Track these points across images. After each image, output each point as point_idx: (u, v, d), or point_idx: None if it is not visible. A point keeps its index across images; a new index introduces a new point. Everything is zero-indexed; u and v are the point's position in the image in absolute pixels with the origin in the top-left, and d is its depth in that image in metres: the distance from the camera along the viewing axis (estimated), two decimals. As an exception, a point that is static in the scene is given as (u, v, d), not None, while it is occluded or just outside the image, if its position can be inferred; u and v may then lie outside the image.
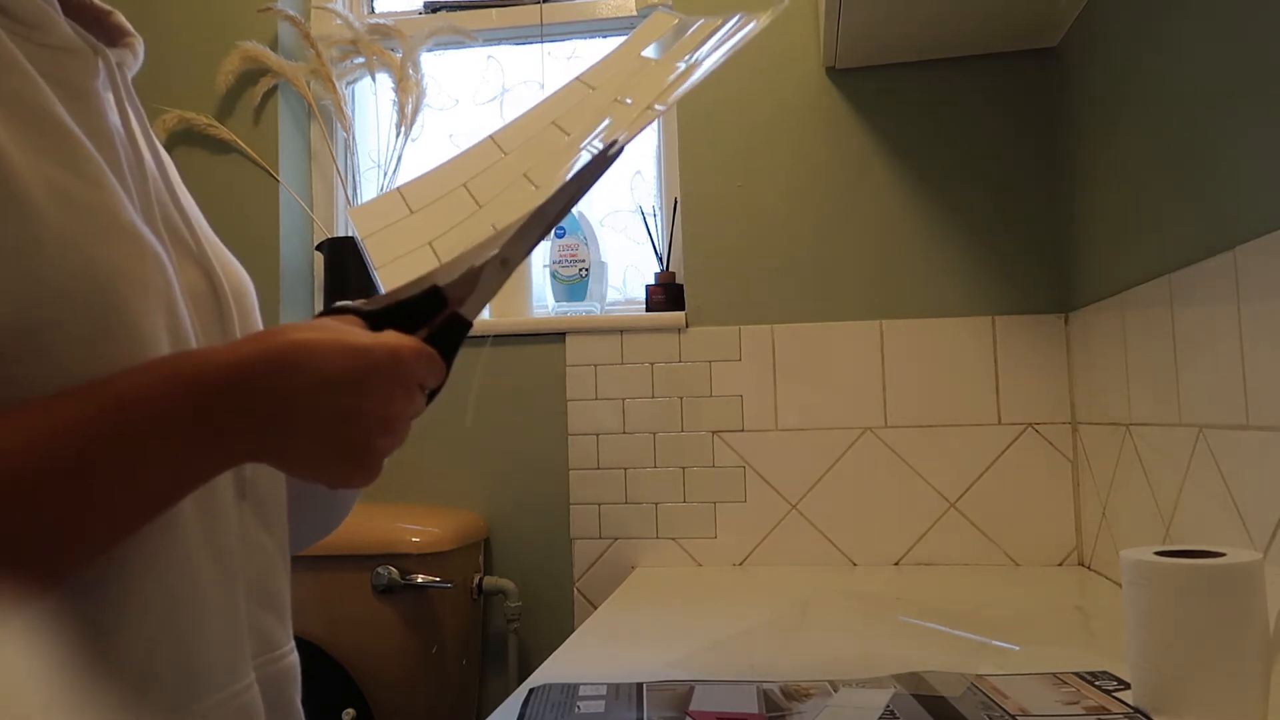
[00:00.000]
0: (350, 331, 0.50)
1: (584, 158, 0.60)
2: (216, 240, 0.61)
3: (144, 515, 0.45)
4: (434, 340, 0.54)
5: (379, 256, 0.71)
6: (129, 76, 0.57)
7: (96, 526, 0.43)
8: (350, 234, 1.63)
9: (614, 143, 0.59)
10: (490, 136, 0.74)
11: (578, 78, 0.74)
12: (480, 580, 1.43)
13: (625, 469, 1.43)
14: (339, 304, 0.55)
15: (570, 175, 0.58)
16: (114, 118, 0.54)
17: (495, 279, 0.57)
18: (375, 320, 0.54)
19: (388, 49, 1.59)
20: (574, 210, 1.52)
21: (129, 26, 0.60)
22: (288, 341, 0.47)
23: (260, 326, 0.62)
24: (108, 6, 0.59)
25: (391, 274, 0.68)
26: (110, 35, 0.58)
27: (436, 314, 0.55)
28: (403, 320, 0.54)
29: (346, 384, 0.47)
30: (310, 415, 0.47)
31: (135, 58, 0.59)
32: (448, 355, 0.54)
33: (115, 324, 0.47)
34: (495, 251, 0.56)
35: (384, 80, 1.63)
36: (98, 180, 0.49)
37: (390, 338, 0.51)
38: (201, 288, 0.56)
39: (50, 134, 0.47)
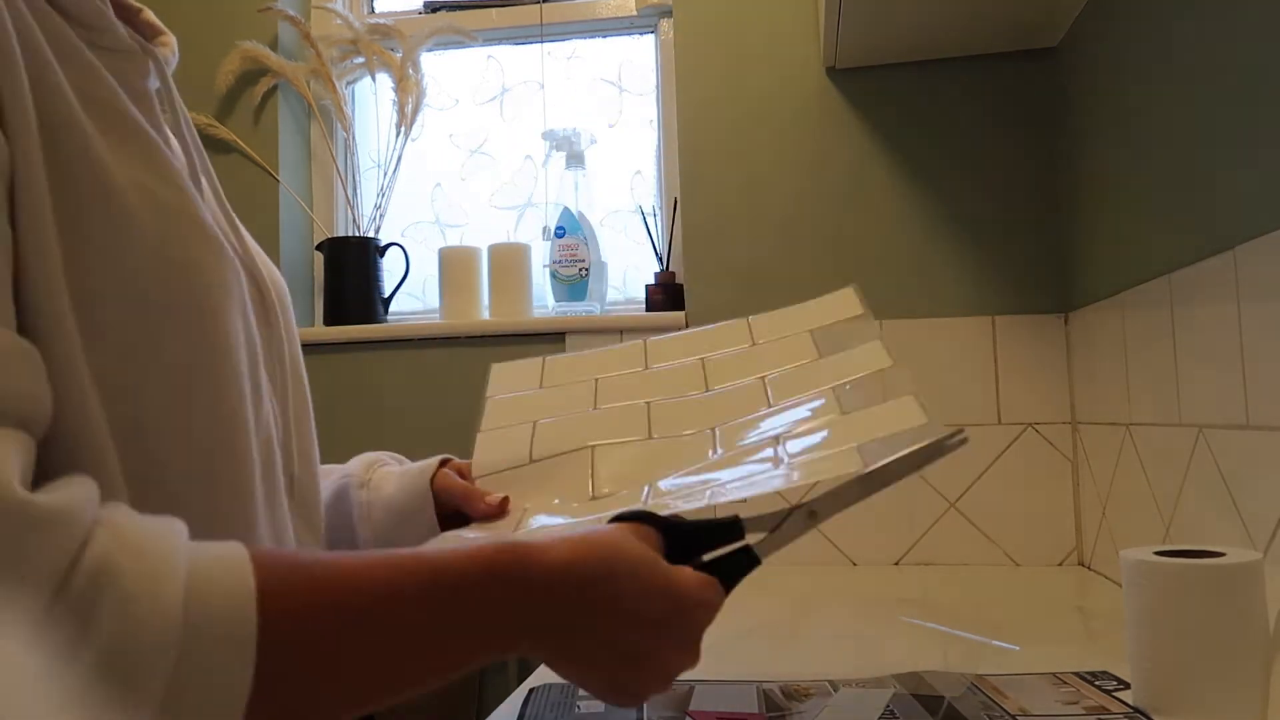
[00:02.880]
0: (674, 572, 0.49)
1: (921, 440, 0.58)
2: (253, 241, 0.61)
3: (419, 685, 0.43)
4: (717, 567, 0.54)
5: (489, 421, 0.73)
6: (170, 75, 0.57)
7: (380, 690, 0.41)
8: (349, 234, 1.63)
9: (958, 432, 0.58)
10: (645, 340, 0.74)
11: (746, 320, 0.73)
12: (480, 580, 1.42)
13: (625, 469, 1.43)
14: (642, 510, 0.54)
15: (907, 453, 0.57)
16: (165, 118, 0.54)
17: (798, 528, 0.57)
18: (672, 537, 0.53)
19: (388, 49, 1.59)
20: (573, 210, 1.52)
21: (160, 24, 0.59)
22: (617, 555, 0.47)
23: (295, 329, 0.62)
24: (138, 4, 0.58)
25: (489, 440, 0.71)
26: (144, 33, 0.57)
27: (730, 542, 0.55)
28: (697, 542, 0.54)
29: (653, 625, 0.48)
30: (609, 638, 0.47)
31: (173, 54, 0.58)
32: (728, 585, 0.54)
33: (209, 328, 0.47)
34: (805, 503, 0.57)
35: (384, 80, 1.63)
36: (177, 183, 0.48)
37: (705, 591, 0.50)
38: (252, 290, 0.56)
39: (132, 138, 0.47)
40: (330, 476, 0.72)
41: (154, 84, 0.54)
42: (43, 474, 0.36)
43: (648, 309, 1.48)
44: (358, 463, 0.74)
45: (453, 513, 0.68)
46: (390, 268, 1.60)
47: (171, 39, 0.58)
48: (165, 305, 0.44)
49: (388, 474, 0.73)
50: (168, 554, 0.34)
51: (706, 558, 0.54)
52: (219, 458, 0.47)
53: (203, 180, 0.55)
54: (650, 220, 1.52)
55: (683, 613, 0.49)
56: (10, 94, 0.39)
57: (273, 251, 1.55)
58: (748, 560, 0.55)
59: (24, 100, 0.40)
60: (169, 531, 0.36)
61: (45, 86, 0.42)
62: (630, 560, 0.47)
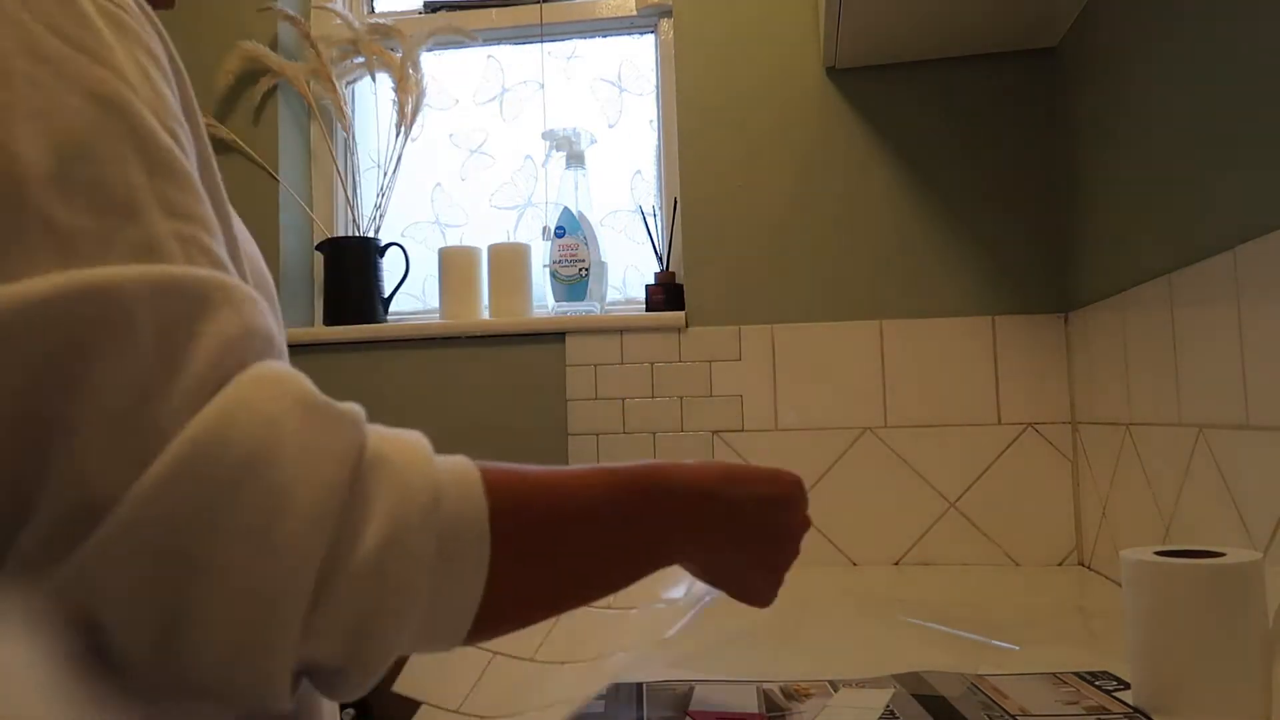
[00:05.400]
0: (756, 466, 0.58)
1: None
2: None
3: (592, 594, 0.50)
4: None
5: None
6: None
7: (573, 590, 0.49)
8: (349, 234, 1.63)
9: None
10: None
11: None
12: (480, 580, 1.43)
13: (625, 469, 1.43)
14: None
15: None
16: None
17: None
18: None
19: (388, 49, 1.59)
20: (574, 210, 1.52)
21: None
22: (726, 464, 0.56)
23: None
24: None
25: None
26: None
27: None
28: None
29: (780, 501, 0.58)
30: (751, 526, 0.56)
31: None
32: None
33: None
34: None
35: (384, 80, 1.63)
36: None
37: (782, 473, 0.59)
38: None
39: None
40: None
41: None
42: None
43: (648, 309, 1.48)
44: None
45: None
46: (390, 268, 1.60)
47: None
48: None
49: None
50: (421, 450, 0.43)
51: None
52: None
53: None
54: (650, 220, 1.52)
55: (797, 487, 0.59)
56: (191, 118, 0.46)
57: (273, 251, 1.55)
58: None
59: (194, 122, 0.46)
60: (417, 438, 0.44)
61: (197, 114, 0.47)
62: (726, 465, 0.56)
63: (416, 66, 1.58)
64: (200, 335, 0.37)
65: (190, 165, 0.42)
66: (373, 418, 0.44)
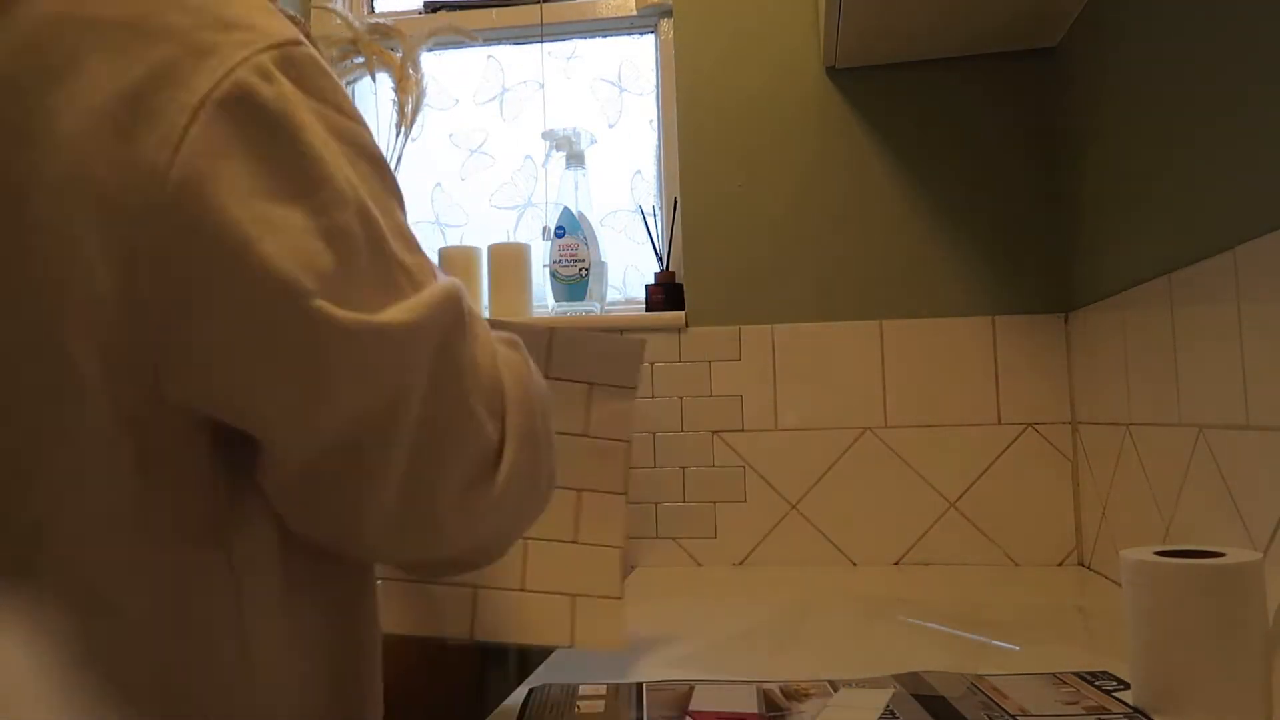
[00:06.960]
0: None
1: None
2: None
3: None
4: None
5: None
6: None
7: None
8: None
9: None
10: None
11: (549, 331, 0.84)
12: (480, 580, 1.43)
13: (625, 469, 1.43)
14: None
15: None
16: None
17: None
18: None
19: (388, 49, 1.59)
20: (573, 210, 1.52)
21: None
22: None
23: None
24: None
25: None
26: None
27: None
28: None
29: None
30: None
31: None
32: None
33: None
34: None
35: (384, 80, 1.63)
36: None
37: None
38: None
39: None
40: None
41: None
42: None
43: (648, 309, 1.48)
44: None
45: None
46: (390, 268, 1.60)
47: None
48: None
49: None
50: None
51: None
52: None
53: None
54: (650, 220, 1.52)
55: None
56: None
57: (273, 251, 1.54)
58: None
59: None
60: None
61: None
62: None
63: (416, 66, 1.57)
64: (478, 319, 0.55)
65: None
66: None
